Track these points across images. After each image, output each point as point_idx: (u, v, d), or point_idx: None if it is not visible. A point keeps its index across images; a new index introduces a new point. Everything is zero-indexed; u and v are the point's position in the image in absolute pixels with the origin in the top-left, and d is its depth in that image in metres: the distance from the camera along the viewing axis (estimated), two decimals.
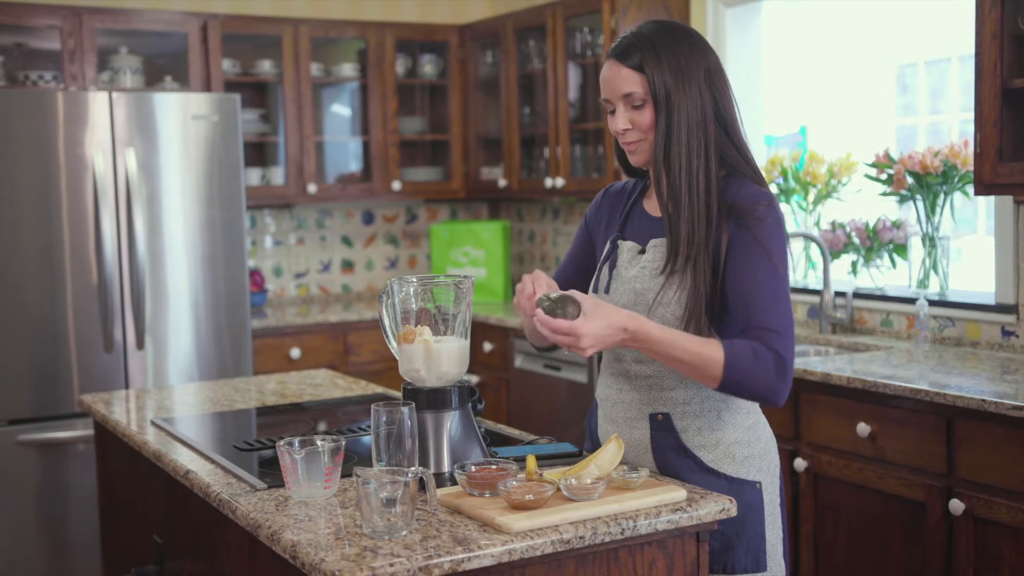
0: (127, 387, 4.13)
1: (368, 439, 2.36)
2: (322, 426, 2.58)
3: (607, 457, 1.91)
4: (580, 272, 2.25)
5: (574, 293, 1.89)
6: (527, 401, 4.58)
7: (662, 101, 1.99)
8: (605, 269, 2.12)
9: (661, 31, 2.03)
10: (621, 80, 2.01)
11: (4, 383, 3.97)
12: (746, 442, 2.04)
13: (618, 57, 2.03)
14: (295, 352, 4.65)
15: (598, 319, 1.86)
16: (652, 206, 2.13)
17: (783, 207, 4.31)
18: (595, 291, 2.13)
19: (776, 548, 2.05)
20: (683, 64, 1.99)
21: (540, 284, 1.97)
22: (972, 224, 4.67)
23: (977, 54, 3.01)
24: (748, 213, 1.97)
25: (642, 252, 2.08)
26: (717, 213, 1.97)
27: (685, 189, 1.98)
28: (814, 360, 3.38)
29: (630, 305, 2.04)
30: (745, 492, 2.01)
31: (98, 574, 3.87)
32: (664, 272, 1.99)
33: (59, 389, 4.04)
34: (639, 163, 2.08)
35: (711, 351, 1.90)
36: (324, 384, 3.13)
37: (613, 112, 2.06)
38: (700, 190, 1.98)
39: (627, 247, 2.11)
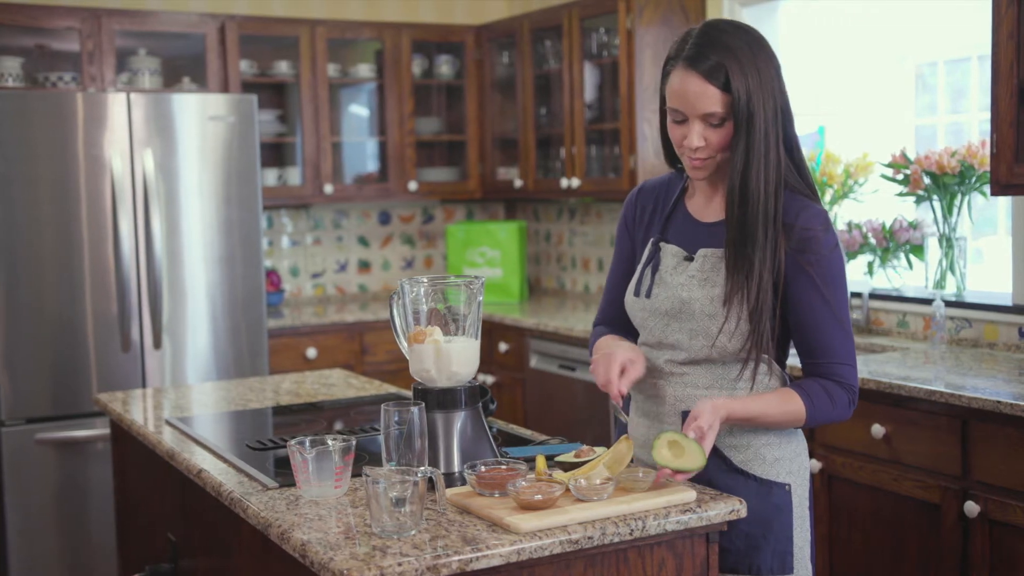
0: (144, 386, 4.16)
1: (380, 439, 2.37)
2: (338, 425, 2.59)
3: (617, 458, 1.91)
4: (629, 276, 2.18)
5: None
6: (543, 401, 4.58)
7: (743, 121, 1.89)
8: (647, 272, 2.07)
9: (737, 39, 1.90)
10: (703, 97, 1.89)
11: (22, 382, 4.00)
12: (777, 444, 2.03)
13: (695, 67, 1.90)
14: (311, 352, 4.67)
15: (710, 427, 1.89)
16: (696, 209, 2.08)
17: None
18: (636, 295, 2.08)
19: (804, 551, 2.04)
20: (764, 79, 1.90)
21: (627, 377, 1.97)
22: (994, 225, 4.64)
23: (994, 54, 2.99)
24: (806, 244, 1.94)
25: (688, 259, 2.03)
26: (779, 234, 1.94)
27: (761, 217, 1.91)
28: None
29: (674, 312, 2.01)
30: (774, 494, 2.00)
31: (115, 572, 3.90)
32: (726, 304, 1.94)
33: (77, 388, 4.06)
34: (701, 178, 2.00)
35: (793, 408, 1.96)
36: (338, 384, 3.14)
37: (681, 122, 1.95)
38: (773, 217, 1.92)
39: (671, 251, 2.05)
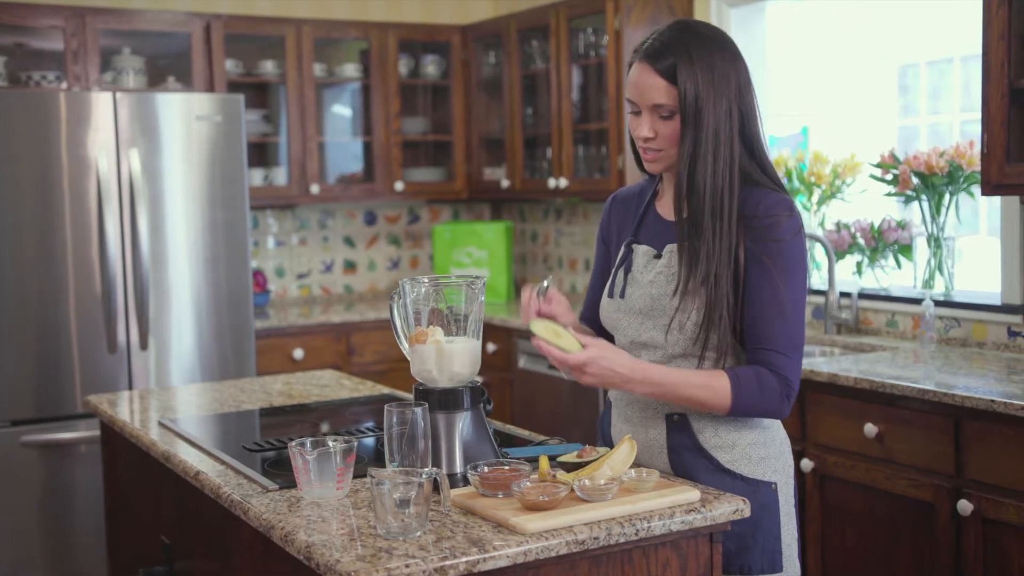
0: (130, 388, 4.12)
1: (372, 440, 2.36)
2: (325, 427, 2.57)
3: (620, 458, 1.91)
4: (605, 282, 2.21)
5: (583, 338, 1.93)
6: (530, 401, 4.57)
7: (691, 116, 1.93)
8: (620, 274, 2.10)
9: (697, 38, 1.95)
10: (652, 89, 1.96)
11: (7, 384, 3.96)
12: (762, 443, 2.03)
13: (651, 61, 1.96)
14: (298, 353, 4.64)
15: (603, 354, 1.90)
16: (666, 209, 2.10)
17: None
18: (610, 296, 2.11)
19: (792, 549, 2.05)
20: (717, 78, 1.94)
21: (552, 305, 2.03)
22: (974, 224, 4.67)
23: (984, 54, 3.00)
24: (766, 233, 1.94)
25: (658, 257, 2.05)
26: (736, 228, 1.95)
27: (708, 211, 1.94)
28: (820, 361, 3.38)
29: (647, 310, 2.02)
30: (761, 493, 2.00)
31: (103, 575, 3.86)
32: (677, 292, 1.96)
33: (62, 390, 4.02)
34: (655, 171, 2.06)
35: (718, 387, 1.93)
36: (331, 385, 3.12)
37: (637, 113, 2.01)
38: (724, 212, 1.94)
39: (642, 251, 2.08)
